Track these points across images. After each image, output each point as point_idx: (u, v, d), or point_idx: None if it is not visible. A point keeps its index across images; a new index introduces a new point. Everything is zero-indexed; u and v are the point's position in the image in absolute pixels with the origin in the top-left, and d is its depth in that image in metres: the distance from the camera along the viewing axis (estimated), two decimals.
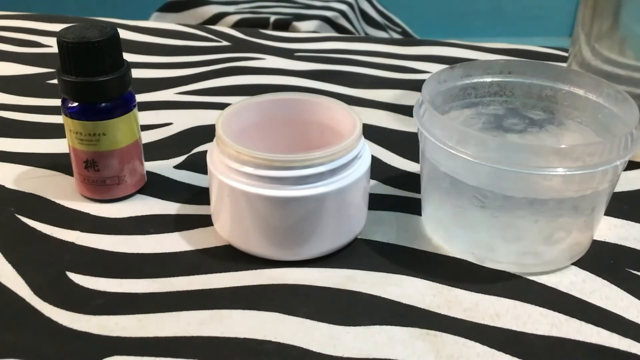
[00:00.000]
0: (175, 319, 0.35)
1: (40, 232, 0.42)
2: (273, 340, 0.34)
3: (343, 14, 1.36)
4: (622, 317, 0.36)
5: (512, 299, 0.37)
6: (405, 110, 0.58)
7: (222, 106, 0.58)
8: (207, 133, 0.54)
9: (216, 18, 1.29)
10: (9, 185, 0.47)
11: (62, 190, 0.46)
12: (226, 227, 0.39)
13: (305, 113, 0.42)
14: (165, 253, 0.40)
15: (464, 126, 0.35)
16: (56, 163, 0.49)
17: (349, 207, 0.38)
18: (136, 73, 0.63)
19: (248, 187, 0.36)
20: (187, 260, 0.40)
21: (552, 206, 0.36)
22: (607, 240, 0.42)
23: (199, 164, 0.49)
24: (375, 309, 0.36)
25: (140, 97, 0.58)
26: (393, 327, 0.35)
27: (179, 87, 0.62)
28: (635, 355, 0.33)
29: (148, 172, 0.47)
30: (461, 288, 0.38)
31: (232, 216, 0.38)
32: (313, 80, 0.63)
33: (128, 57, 0.44)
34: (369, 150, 0.40)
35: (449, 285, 0.38)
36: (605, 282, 0.38)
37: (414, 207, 0.44)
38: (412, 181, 0.47)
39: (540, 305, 0.36)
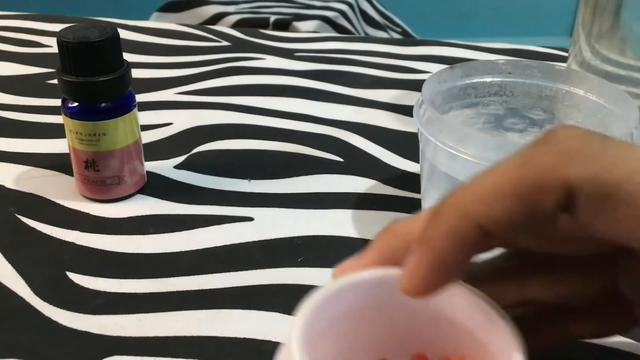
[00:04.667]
0: (175, 319, 0.35)
1: (40, 232, 0.42)
2: (273, 340, 0.34)
3: (343, 14, 1.36)
4: None
5: None
6: (405, 110, 0.58)
7: (222, 106, 0.58)
8: (207, 133, 0.54)
9: (216, 18, 1.29)
10: (9, 185, 0.47)
11: (62, 190, 0.46)
12: None
13: (431, 302, 0.24)
14: (165, 253, 0.40)
15: (464, 126, 0.35)
16: (56, 163, 0.49)
17: None
18: (136, 73, 0.63)
19: None
20: (187, 260, 0.40)
21: None
22: None
23: (199, 164, 0.49)
24: None
25: (140, 97, 0.58)
26: None
27: (179, 87, 0.62)
28: (635, 355, 0.33)
29: (148, 172, 0.47)
30: None
31: None
32: (313, 80, 0.63)
33: (128, 57, 0.44)
34: None
35: None
36: None
37: (414, 207, 0.44)
38: (412, 181, 0.47)
39: None
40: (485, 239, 0.21)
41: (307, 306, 0.23)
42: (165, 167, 0.49)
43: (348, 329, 0.25)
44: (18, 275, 0.38)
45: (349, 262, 0.25)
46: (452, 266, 0.22)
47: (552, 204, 0.20)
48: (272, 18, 1.25)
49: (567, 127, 0.21)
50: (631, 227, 0.20)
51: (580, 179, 0.20)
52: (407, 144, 0.52)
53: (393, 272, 0.24)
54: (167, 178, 0.48)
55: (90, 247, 0.41)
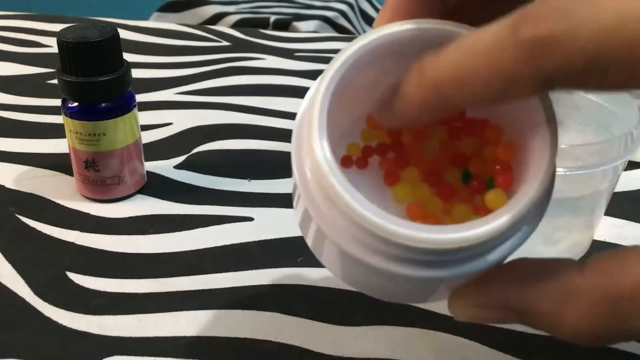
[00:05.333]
0: (175, 319, 0.35)
1: (40, 232, 0.42)
2: (273, 340, 0.34)
3: (343, 14, 1.36)
4: None
5: None
6: None
7: (222, 106, 0.58)
8: (207, 133, 0.54)
9: (216, 18, 1.29)
10: (9, 185, 0.47)
11: (62, 190, 0.46)
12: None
13: None
14: (165, 253, 0.40)
15: None
16: (56, 163, 0.49)
17: None
18: (136, 73, 0.63)
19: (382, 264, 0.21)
20: (187, 260, 0.40)
21: (552, 206, 0.36)
22: (607, 240, 0.42)
23: (199, 164, 0.49)
24: (375, 309, 0.36)
25: (140, 97, 0.58)
26: (393, 327, 0.35)
27: (179, 87, 0.62)
28: (635, 355, 0.33)
29: (148, 172, 0.47)
30: None
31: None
32: (313, 80, 0.63)
33: (128, 57, 0.44)
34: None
35: None
36: None
37: None
38: None
39: None
40: None
41: (335, 67, 0.22)
42: (165, 167, 0.49)
43: (373, 90, 0.24)
44: (18, 275, 0.38)
45: (384, 11, 0.24)
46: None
47: (527, 93, 0.19)
48: (272, 18, 1.25)
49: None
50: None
51: (559, 72, 0.18)
52: None
53: (421, 25, 0.22)
54: (167, 178, 0.48)
55: (90, 247, 0.41)
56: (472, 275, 0.21)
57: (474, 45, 0.19)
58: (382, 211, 0.20)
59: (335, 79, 0.22)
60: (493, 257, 0.21)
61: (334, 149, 0.21)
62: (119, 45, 0.42)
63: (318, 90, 0.21)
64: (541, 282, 0.21)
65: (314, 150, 0.21)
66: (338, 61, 0.22)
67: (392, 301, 0.27)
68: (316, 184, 0.21)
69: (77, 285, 0.38)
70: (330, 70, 0.22)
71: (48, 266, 0.39)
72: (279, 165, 0.49)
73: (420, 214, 0.23)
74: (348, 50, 0.22)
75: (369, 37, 0.22)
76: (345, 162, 0.24)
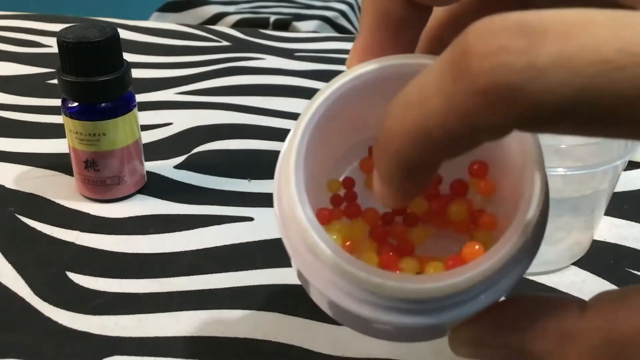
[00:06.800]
0: (175, 319, 0.35)
1: (40, 232, 0.42)
2: (273, 340, 0.34)
3: (343, 14, 1.36)
4: None
5: None
6: None
7: (222, 106, 0.58)
8: (207, 133, 0.54)
9: (216, 18, 1.29)
10: (9, 185, 0.47)
11: (62, 190, 0.46)
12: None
13: None
14: (165, 253, 0.40)
15: None
16: (56, 163, 0.49)
17: None
18: (136, 73, 0.63)
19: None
20: (187, 260, 0.40)
21: (552, 206, 0.36)
22: (607, 240, 0.42)
23: (199, 164, 0.49)
24: None
25: (140, 97, 0.58)
26: None
27: (179, 87, 0.62)
28: None
29: (148, 172, 0.47)
30: None
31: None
32: (313, 80, 0.63)
33: (128, 57, 0.44)
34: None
35: None
36: (605, 282, 0.38)
37: None
38: None
39: None
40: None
41: (311, 111, 0.22)
42: (165, 167, 0.49)
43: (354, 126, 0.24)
44: (18, 275, 0.38)
45: (355, 48, 0.23)
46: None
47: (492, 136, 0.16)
48: (272, 18, 1.25)
49: (475, 39, 0.15)
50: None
51: (530, 119, 0.15)
52: None
53: (397, 61, 0.21)
54: (167, 178, 0.48)
55: (90, 247, 0.41)
56: (470, 315, 0.20)
57: (420, 99, 0.16)
58: (365, 264, 0.20)
59: (310, 125, 0.21)
60: (490, 297, 0.20)
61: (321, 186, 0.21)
62: (119, 45, 0.42)
63: (292, 143, 0.21)
64: (540, 321, 0.20)
65: (293, 208, 0.21)
66: (314, 105, 0.21)
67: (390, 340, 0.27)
68: (298, 238, 0.22)
69: (77, 285, 0.38)
70: (305, 117, 0.21)
71: (48, 266, 0.39)
72: None
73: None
74: (324, 94, 0.21)
75: (342, 79, 0.21)
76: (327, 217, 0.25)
